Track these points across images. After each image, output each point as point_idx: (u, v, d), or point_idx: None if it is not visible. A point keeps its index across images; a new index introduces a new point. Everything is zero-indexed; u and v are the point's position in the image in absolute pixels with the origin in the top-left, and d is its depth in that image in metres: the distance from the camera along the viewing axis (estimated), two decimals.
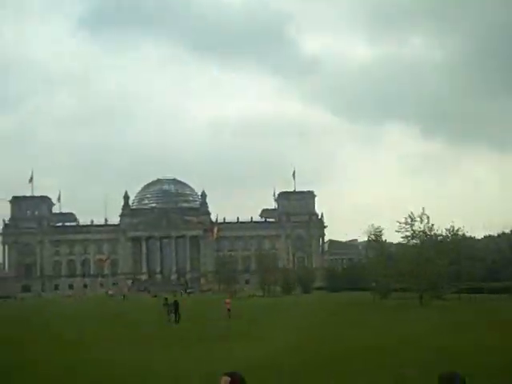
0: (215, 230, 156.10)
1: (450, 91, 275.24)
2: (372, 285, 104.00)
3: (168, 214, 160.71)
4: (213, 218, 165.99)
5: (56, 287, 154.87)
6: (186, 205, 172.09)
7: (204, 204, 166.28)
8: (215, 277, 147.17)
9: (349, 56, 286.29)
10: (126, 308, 62.63)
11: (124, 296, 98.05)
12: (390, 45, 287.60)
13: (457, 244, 54.14)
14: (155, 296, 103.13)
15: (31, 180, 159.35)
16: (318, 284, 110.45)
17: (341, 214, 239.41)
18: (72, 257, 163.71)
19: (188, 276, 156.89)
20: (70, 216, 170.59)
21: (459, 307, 41.84)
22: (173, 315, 36.25)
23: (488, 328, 26.22)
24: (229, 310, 36.72)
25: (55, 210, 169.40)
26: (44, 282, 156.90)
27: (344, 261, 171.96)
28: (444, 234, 54.51)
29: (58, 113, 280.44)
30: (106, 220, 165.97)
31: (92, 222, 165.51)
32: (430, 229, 49.04)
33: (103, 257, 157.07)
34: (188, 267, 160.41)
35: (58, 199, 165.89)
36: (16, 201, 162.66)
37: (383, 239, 62.12)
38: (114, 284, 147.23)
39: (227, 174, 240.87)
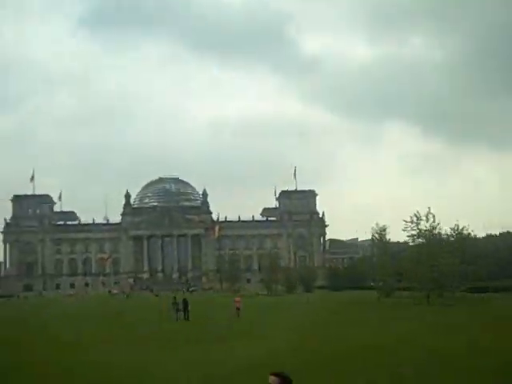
0: (217, 228, 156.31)
1: (450, 91, 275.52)
2: (373, 284, 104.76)
3: (170, 213, 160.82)
4: (214, 216, 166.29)
5: (57, 286, 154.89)
6: (187, 203, 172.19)
7: (205, 203, 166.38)
8: (216, 275, 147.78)
9: (349, 56, 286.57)
10: (131, 307, 62.71)
11: (127, 295, 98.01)
12: (390, 45, 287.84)
13: (461, 243, 54.31)
14: (157, 295, 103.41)
15: (32, 179, 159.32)
16: (319, 283, 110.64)
17: (341, 214, 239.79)
18: (73, 255, 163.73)
19: (189, 275, 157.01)
20: (72, 215, 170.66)
21: (467, 306, 41.92)
22: (181, 313, 36.44)
23: (495, 327, 26.32)
24: (238, 308, 36.77)
25: (56, 208, 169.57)
26: (45, 281, 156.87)
27: (345, 260, 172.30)
28: (449, 233, 54.68)
29: (57, 113, 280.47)
30: (107, 219, 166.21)
31: (94, 220, 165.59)
32: (434, 228, 49.10)
33: (105, 255, 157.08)
34: (189, 266, 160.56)
35: (59, 198, 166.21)
36: (17, 199, 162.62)
37: (387, 238, 62.10)
38: (115, 283, 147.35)
39: (228, 174, 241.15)
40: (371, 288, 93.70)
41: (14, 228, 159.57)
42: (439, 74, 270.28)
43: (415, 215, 47.37)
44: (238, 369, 16.86)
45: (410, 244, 51.83)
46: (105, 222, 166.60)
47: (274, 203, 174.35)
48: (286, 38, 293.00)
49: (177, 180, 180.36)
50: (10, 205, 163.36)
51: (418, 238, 48.62)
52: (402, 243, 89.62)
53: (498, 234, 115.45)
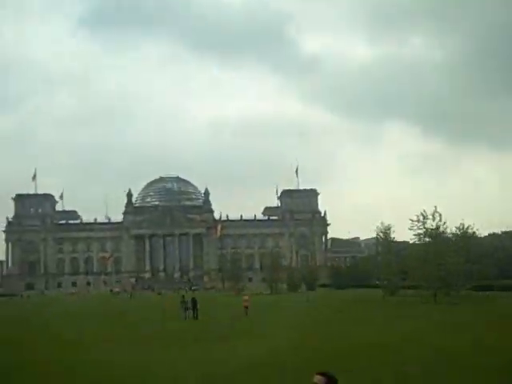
0: (219, 227, 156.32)
1: (450, 91, 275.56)
2: (377, 282, 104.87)
3: (171, 212, 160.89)
4: (215, 216, 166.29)
5: (59, 285, 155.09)
6: (188, 203, 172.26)
7: (207, 202, 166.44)
8: (218, 274, 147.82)
9: (349, 56, 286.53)
10: (135, 306, 62.79)
11: (130, 294, 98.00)
12: (390, 45, 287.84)
13: (466, 242, 54.40)
14: (160, 294, 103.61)
15: (34, 178, 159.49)
16: (322, 281, 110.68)
17: (341, 213, 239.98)
18: (75, 254, 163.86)
19: (191, 274, 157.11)
20: (73, 214, 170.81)
21: (473, 305, 41.96)
22: (190, 312, 36.50)
23: (500, 326, 26.33)
24: (246, 307, 36.79)
25: (58, 208, 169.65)
26: (47, 280, 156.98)
27: (347, 258, 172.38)
28: (454, 232, 54.73)
29: (57, 113, 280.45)
30: (109, 218, 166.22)
31: (95, 219, 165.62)
32: (439, 227, 49.14)
33: (106, 254, 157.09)
34: (191, 265, 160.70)
35: (61, 197, 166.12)
36: (19, 198, 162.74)
37: (392, 237, 62.15)
38: (117, 282, 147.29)
39: (228, 173, 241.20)
40: (375, 286, 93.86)
41: (16, 227, 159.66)
42: (439, 74, 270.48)
43: (422, 214, 47.47)
44: (247, 367, 16.89)
45: (417, 243, 51.75)
46: (106, 221, 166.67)
47: (275, 202, 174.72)
48: (286, 37, 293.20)
49: (178, 179, 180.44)
50: (11, 204, 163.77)
51: (424, 236, 48.65)
52: (403, 242, 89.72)
53: (500, 232, 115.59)
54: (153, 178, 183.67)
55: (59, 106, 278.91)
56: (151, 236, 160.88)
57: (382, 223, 60.98)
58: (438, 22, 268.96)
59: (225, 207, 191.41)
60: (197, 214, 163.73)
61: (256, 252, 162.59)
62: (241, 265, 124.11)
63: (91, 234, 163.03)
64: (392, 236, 62.30)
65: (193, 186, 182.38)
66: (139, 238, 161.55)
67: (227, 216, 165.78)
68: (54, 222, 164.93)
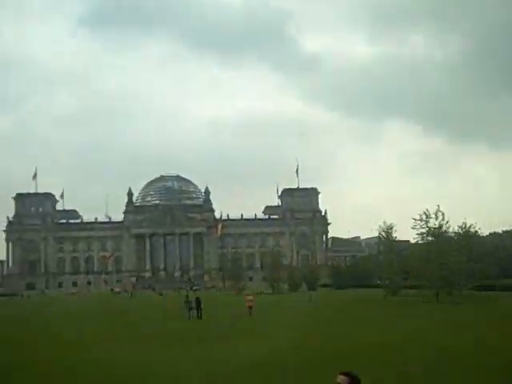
0: (219, 226, 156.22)
1: (450, 90, 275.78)
2: (378, 282, 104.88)
3: (172, 211, 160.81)
4: (216, 215, 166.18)
5: (60, 284, 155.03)
6: (189, 202, 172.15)
7: (207, 201, 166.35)
8: (219, 274, 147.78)
9: (349, 55, 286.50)
10: (137, 305, 62.76)
11: (131, 293, 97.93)
12: (390, 44, 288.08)
13: (468, 241, 54.39)
14: (161, 293, 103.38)
15: (35, 177, 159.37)
16: (322, 281, 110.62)
17: (341, 212, 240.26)
18: (76, 254, 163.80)
19: (192, 273, 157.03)
20: (74, 213, 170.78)
21: (475, 305, 41.94)
22: (194, 311, 36.49)
23: (502, 326, 26.33)
24: (250, 307, 36.74)
25: (58, 207, 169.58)
26: (48, 280, 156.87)
27: (347, 258, 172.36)
28: (456, 231, 54.69)
29: (57, 112, 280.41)
30: (109, 218, 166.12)
31: (96, 219, 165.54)
32: (441, 226, 49.10)
33: (107, 254, 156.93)
34: (192, 264, 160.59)
35: (61, 196, 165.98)
36: (20, 198, 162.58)
37: (394, 236, 62.10)
38: (118, 281, 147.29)
39: (229, 172, 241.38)
40: (376, 286, 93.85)
41: (16, 226, 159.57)
42: (439, 74, 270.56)
43: (424, 213, 47.45)
44: (252, 367, 16.88)
45: (419, 242, 51.73)
46: (107, 220, 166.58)
47: (275, 202, 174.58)
48: (286, 37, 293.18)
49: (179, 178, 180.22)
50: (12, 203, 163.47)
51: (427, 235, 48.63)
52: (403, 241, 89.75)
53: (500, 231, 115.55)
54: (153, 178, 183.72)
55: (59, 105, 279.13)
56: (152, 235, 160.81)
57: (384, 222, 60.96)
58: (437, 22, 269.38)
59: (225, 206, 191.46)
60: (197, 213, 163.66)
61: (256, 251, 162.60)
62: (241, 264, 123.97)
63: (92, 233, 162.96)
64: (394, 235, 62.29)
65: (193, 184, 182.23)
66: (140, 238, 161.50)
67: (228, 215, 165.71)
68: (55, 221, 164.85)
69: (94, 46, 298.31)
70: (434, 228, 47.51)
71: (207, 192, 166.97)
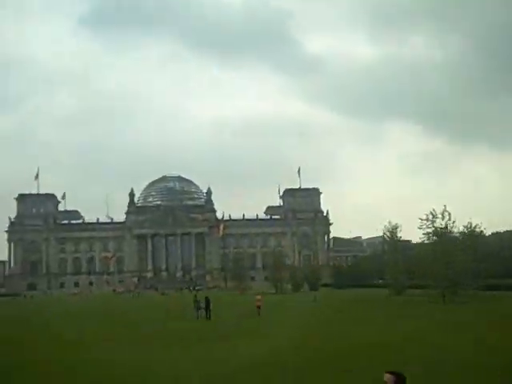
0: (221, 226, 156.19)
1: (450, 91, 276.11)
2: (379, 281, 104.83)
3: (173, 212, 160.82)
4: (218, 215, 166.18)
5: (62, 285, 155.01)
6: (190, 202, 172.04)
7: (209, 201, 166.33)
8: (221, 274, 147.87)
9: (349, 56, 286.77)
10: (142, 306, 62.83)
11: (135, 293, 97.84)
12: (391, 44, 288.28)
13: (474, 241, 54.44)
14: (164, 293, 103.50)
15: (37, 177, 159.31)
16: (324, 281, 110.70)
17: (343, 212, 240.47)
18: (77, 254, 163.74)
19: (193, 273, 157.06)
20: (75, 214, 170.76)
21: (482, 304, 41.96)
22: (202, 311, 36.50)
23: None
24: (259, 307, 36.79)
25: (60, 208, 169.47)
26: (50, 280, 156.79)
27: (348, 258, 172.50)
28: (461, 231, 54.72)
29: (58, 112, 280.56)
30: (111, 218, 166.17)
31: (98, 219, 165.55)
32: (447, 226, 49.14)
33: (109, 254, 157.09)
34: (193, 264, 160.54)
35: (63, 197, 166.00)
36: (22, 198, 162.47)
37: (399, 236, 62.22)
38: (120, 281, 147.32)
39: (230, 172, 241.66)
40: (377, 286, 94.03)
41: (18, 227, 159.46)
42: (439, 74, 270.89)
43: (431, 213, 47.53)
44: (267, 366, 16.96)
45: (425, 242, 51.79)
46: (108, 220, 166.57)
47: (276, 202, 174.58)
48: (286, 37, 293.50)
49: (180, 178, 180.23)
50: (14, 204, 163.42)
51: (433, 236, 48.68)
52: (405, 241, 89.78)
53: (503, 231, 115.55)
54: (154, 178, 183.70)
55: (59, 105, 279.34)
56: (153, 236, 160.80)
57: (389, 222, 61.10)
58: (438, 22, 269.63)
59: (226, 207, 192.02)
60: (199, 213, 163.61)
61: (258, 251, 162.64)
62: (244, 264, 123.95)
63: (93, 233, 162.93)
64: (398, 235, 62.39)
65: (195, 185, 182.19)
66: (141, 238, 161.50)
67: (229, 215, 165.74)
68: (57, 221, 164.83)
69: (94, 45, 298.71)
70: (441, 228, 47.53)
71: (209, 192, 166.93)
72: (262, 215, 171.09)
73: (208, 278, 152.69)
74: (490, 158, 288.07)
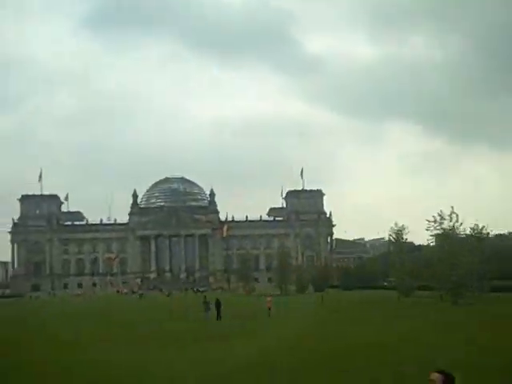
0: (225, 228, 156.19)
1: (450, 91, 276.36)
2: (384, 283, 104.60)
3: (177, 213, 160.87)
4: (221, 216, 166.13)
5: (65, 286, 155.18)
6: (194, 203, 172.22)
7: (213, 203, 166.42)
8: (224, 275, 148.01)
9: (349, 56, 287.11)
10: (151, 307, 62.86)
11: (140, 295, 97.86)
12: (391, 44, 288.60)
13: (480, 243, 54.43)
14: (169, 295, 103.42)
15: (40, 178, 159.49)
16: (329, 282, 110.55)
17: (342, 213, 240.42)
18: (81, 255, 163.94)
19: (197, 275, 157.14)
20: (78, 215, 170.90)
21: (493, 306, 41.93)
22: (210, 312, 36.57)
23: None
24: (269, 308, 36.87)
25: (63, 209, 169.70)
26: (53, 281, 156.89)
27: (352, 259, 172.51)
28: (468, 232, 54.70)
29: (58, 112, 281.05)
30: (115, 219, 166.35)
31: (101, 220, 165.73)
32: (455, 227, 49.13)
33: (112, 255, 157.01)
34: (197, 266, 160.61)
35: (66, 198, 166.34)
36: (25, 199, 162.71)
37: (405, 238, 62.15)
38: (123, 283, 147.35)
39: (230, 173, 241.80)
40: (385, 288, 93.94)
41: (21, 228, 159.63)
42: (439, 74, 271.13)
43: (439, 214, 47.55)
44: (296, 363, 17.01)
45: (431, 243, 51.81)
46: (111, 221, 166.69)
47: (279, 203, 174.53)
48: (286, 37, 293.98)
49: (183, 180, 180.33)
50: (16, 205, 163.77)
51: (441, 237, 48.69)
52: (409, 243, 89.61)
53: (507, 233, 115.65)
54: (154, 178, 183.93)
55: (59, 105, 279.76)
56: (157, 237, 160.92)
57: (396, 224, 61.10)
58: (438, 22, 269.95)
59: (229, 208, 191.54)
60: (202, 214, 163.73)
61: (261, 253, 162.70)
62: (249, 265, 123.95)
63: (97, 234, 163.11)
64: (404, 237, 62.31)
65: (198, 186, 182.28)
66: (145, 239, 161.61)
67: (233, 217, 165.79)
68: (60, 222, 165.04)
69: (94, 46, 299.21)
70: (449, 229, 47.55)
71: (212, 194, 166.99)
72: (264, 217, 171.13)
73: (211, 279, 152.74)
74: (490, 158, 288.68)
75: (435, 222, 47.64)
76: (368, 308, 45.19)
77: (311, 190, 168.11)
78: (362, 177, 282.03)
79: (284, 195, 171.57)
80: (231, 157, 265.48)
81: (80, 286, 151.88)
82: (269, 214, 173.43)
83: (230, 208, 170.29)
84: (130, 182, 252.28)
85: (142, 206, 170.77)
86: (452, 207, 47.46)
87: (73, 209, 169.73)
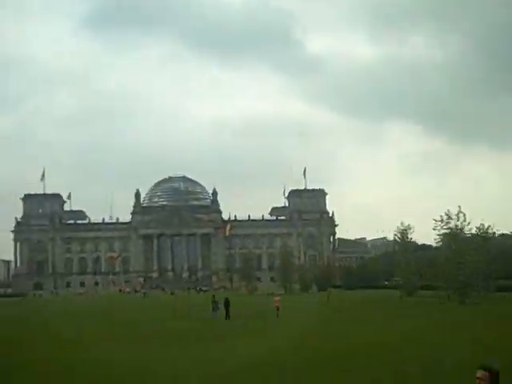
0: (228, 227, 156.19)
1: (450, 91, 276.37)
2: (386, 283, 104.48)
3: (179, 212, 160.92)
4: (223, 216, 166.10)
5: (67, 285, 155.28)
6: (196, 203, 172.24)
7: (215, 202, 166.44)
8: (226, 274, 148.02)
9: (350, 56, 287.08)
10: (155, 305, 62.91)
11: (144, 294, 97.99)
12: (391, 44, 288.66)
13: (487, 242, 54.43)
14: (172, 293, 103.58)
15: (43, 178, 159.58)
16: (332, 282, 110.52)
17: (342, 212, 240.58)
18: (83, 254, 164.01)
19: (199, 274, 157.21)
20: (81, 214, 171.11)
21: (501, 306, 41.96)
22: (218, 312, 36.56)
23: None
24: (277, 307, 36.83)
25: (65, 208, 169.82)
26: (55, 280, 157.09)
27: (354, 259, 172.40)
28: (473, 232, 54.68)
29: (58, 112, 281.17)
30: (117, 218, 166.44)
31: (103, 219, 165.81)
32: (463, 227, 49.09)
33: (114, 254, 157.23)
34: (199, 265, 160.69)
35: (68, 197, 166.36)
36: (28, 198, 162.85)
37: (410, 238, 62.19)
38: (125, 282, 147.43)
39: (231, 173, 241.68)
40: (387, 287, 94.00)
41: (24, 227, 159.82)
42: (439, 74, 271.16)
43: (446, 214, 47.56)
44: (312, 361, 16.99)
45: (437, 243, 51.81)
46: (112, 220, 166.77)
47: (281, 203, 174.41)
48: (287, 37, 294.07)
49: (185, 179, 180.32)
50: (18, 204, 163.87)
51: (447, 237, 48.69)
52: (411, 242, 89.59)
53: (510, 233, 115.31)
54: (155, 178, 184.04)
55: (59, 105, 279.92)
56: (159, 236, 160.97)
57: (402, 223, 61.16)
58: (438, 22, 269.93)
59: (230, 207, 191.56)
60: (204, 213, 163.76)
61: (264, 252, 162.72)
62: (252, 264, 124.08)
63: (99, 233, 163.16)
64: (409, 236, 62.37)
65: (200, 185, 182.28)
66: (147, 238, 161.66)
67: (235, 216, 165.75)
68: (62, 221, 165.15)
69: (95, 45, 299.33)
70: (457, 229, 47.54)
71: (214, 193, 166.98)
72: (266, 216, 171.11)
73: (214, 278, 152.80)
74: (490, 158, 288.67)
75: (442, 221, 47.66)
76: (374, 307, 45.11)
77: (314, 190, 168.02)
78: (363, 177, 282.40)
79: (286, 194, 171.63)
80: (232, 156, 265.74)
81: (82, 284, 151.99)
82: (271, 214, 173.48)
83: (232, 207, 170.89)
84: (130, 181, 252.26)
85: (144, 205, 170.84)
86: (459, 206, 47.52)
87: (75, 208, 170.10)
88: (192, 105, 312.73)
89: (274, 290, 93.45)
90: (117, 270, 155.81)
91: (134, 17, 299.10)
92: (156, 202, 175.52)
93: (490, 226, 55.47)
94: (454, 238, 48.19)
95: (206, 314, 39.31)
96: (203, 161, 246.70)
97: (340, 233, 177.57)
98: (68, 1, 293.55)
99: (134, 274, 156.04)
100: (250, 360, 18.35)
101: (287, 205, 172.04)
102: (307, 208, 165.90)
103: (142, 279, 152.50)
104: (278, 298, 38.21)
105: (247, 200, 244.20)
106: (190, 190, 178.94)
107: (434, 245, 63.82)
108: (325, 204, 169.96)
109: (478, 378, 5.88)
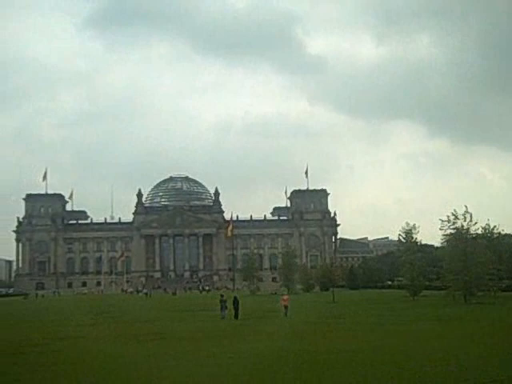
0: (230, 227, 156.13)
1: (455, 91, 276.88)
2: (389, 283, 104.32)
3: (181, 212, 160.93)
4: (225, 216, 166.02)
5: (69, 285, 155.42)
6: (198, 203, 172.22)
7: (217, 202, 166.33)
8: (228, 274, 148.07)
9: (355, 56, 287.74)
10: (161, 305, 62.88)
11: (148, 294, 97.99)
12: (396, 45, 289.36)
13: (492, 242, 54.45)
14: (175, 293, 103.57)
15: (45, 178, 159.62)
16: (335, 282, 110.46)
17: (343, 212, 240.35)
18: (85, 254, 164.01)
19: (201, 274, 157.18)
20: (83, 214, 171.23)
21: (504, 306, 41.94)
22: (226, 311, 36.47)
23: None
24: (286, 306, 36.75)
25: (67, 208, 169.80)
26: (57, 280, 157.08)
27: (356, 259, 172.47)
28: (480, 232, 54.70)
29: (60, 112, 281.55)
30: (119, 218, 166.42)
31: (105, 219, 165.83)
32: (469, 228, 49.06)
33: (117, 254, 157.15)
34: (201, 265, 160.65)
35: (70, 197, 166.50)
36: (30, 198, 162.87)
37: (415, 238, 62.10)
38: (127, 281, 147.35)
39: (233, 172, 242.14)
40: (391, 287, 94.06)
41: (26, 227, 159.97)
42: (443, 74, 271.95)
43: (453, 214, 47.53)
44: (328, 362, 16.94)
45: (442, 243, 51.76)
46: (114, 221, 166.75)
47: (283, 203, 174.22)
48: (290, 37, 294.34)
49: (187, 179, 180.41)
50: (20, 204, 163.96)
51: (454, 237, 48.64)
52: (415, 242, 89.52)
53: None
54: (159, 178, 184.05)
55: (64, 105, 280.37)
56: (161, 236, 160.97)
57: (407, 223, 61.11)
58: (444, 23, 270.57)
59: (233, 207, 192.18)
60: (206, 213, 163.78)
61: (266, 252, 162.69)
62: (255, 264, 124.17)
63: (101, 233, 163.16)
64: (414, 236, 62.29)
65: (202, 186, 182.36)
66: (149, 238, 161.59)
67: (237, 216, 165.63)
68: (64, 221, 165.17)
69: (100, 45, 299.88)
70: (463, 229, 47.51)
71: (216, 193, 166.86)
72: (268, 216, 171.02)
73: (215, 278, 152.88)
74: (495, 158, 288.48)
75: (449, 221, 47.61)
76: (383, 308, 44.67)
77: (316, 190, 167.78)
78: (365, 177, 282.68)
79: (288, 195, 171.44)
80: (234, 157, 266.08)
81: (84, 284, 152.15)
82: (273, 214, 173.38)
83: (234, 207, 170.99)
84: (132, 181, 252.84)
85: (146, 205, 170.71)
86: (466, 206, 47.49)
87: (77, 208, 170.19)
88: (196, 104, 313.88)
89: (276, 290, 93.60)
90: (119, 269, 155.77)
91: (137, 17, 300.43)
92: (158, 202, 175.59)
93: (495, 226, 55.48)
94: (460, 237, 48.12)
95: (210, 313, 39.28)
96: (206, 161, 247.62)
97: (342, 233, 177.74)
98: (72, 0, 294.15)
99: (135, 274, 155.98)
100: (266, 361, 18.24)
101: (289, 205, 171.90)
102: (309, 208, 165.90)
103: (143, 279, 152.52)
104: (286, 297, 38.08)
105: (251, 200, 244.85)
106: (192, 190, 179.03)
107: (436, 245, 63.71)
108: (327, 204, 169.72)
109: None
